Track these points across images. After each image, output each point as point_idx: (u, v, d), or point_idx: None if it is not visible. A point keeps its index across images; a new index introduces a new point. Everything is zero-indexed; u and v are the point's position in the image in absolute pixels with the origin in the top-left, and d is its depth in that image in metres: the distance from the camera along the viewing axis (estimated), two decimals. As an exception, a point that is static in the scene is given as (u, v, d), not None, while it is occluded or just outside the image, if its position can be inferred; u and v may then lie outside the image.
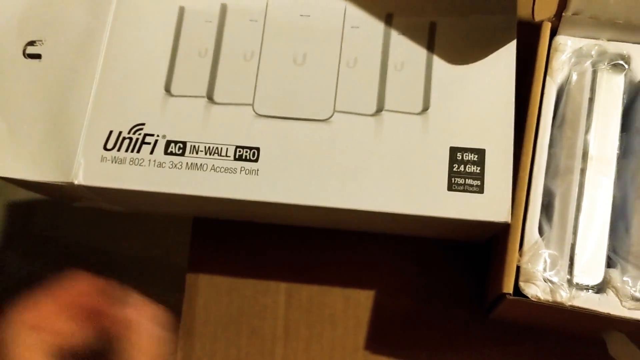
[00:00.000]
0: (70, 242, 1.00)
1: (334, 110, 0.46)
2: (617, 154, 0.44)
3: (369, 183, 0.44)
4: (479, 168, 0.43)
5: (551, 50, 0.46)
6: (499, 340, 0.48)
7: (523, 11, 0.47)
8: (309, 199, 0.44)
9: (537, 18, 0.46)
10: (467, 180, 0.43)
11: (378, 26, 0.47)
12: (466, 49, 0.46)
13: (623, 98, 0.45)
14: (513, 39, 0.46)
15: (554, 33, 0.46)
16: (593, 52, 0.45)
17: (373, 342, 0.48)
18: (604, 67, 0.45)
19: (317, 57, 0.47)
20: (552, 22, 0.46)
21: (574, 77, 0.45)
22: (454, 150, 0.44)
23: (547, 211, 0.43)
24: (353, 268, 0.50)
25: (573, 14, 0.45)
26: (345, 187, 0.44)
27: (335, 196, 0.44)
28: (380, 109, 0.45)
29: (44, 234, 1.02)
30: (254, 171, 0.44)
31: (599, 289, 0.41)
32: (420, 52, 0.47)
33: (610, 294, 0.40)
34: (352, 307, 0.49)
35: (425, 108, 0.45)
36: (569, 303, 0.40)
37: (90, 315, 0.36)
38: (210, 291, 0.50)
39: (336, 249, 0.50)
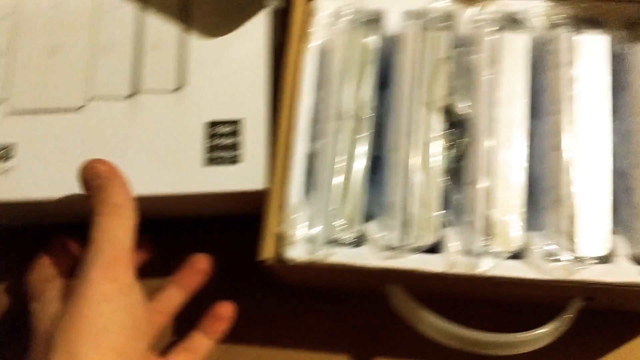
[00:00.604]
0: None
1: (89, 98, 0.45)
2: (373, 110, 0.44)
3: (125, 168, 0.42)
4: (234, 139, 0.43)
5: (308, 15, 0.47)
6: (297, 309, 0.49)
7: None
8: (65, 191, 0.43)
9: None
10: (223, 152, 0.43)
11: (130, 8, 0.47)
12: (219, 23, 0.47)
13: (377, 55, 0.45)
14: (263, 9, 0.47)
15: None
16: (348, 13, 0.46)
17: (182, 321, 0.47)
18: (358, 26, 0.45)
19: (70, 46, 0.46)
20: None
21: (329, 39, 0.45)
22: (209, 125, 0.44)
23: (312, 174, 0.43)
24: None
25: (324, -23, 0.46)
26: None
27: None
28: (135, 91, 0.45)
29: None
30: (8, 170, 0.43)
31: (358, 243, 0.41)
32: (174, 30, 0.47)
33: (368, 247, 0.41)
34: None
35: (180, 85, 0.45)
36: (326, 260, 0.40)
37: None
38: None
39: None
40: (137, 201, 0.41)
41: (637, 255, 0.39)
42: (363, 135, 0.43)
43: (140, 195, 0.42)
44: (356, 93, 0.44)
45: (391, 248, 0.41)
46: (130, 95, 0.45)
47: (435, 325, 0.41)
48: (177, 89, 0.45)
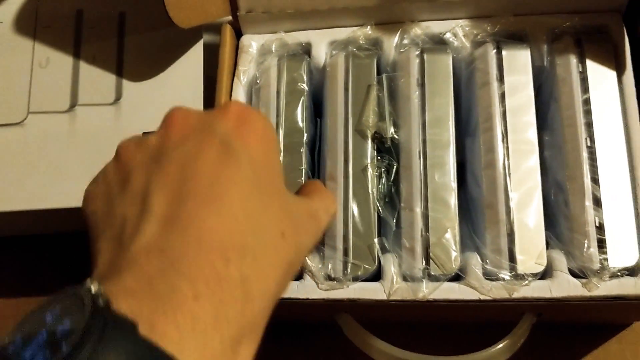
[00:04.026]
0: None
1: (28, 112, 0.46)
2: (309, 142, 0.44)
3: (66, 180, 0.44)
4: None
5: (239, 52, 0.46)
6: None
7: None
8: (7, 204, 0.44)
9: (210, 20, 0.46)
10: None
11: (69, 23, 0.49)
12: (157, 42, 0.48)
13: (309, 87, 0.45)
14: (200, 39, 0.49)
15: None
16: (274, 47, 0.46)
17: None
18: (287, 59, 0.45)
19: (9, 61, 0.48)
20: (233, 23, 0.46)
21: (258, 75, 0.45)
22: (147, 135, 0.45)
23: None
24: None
25: (247, 12, 0.46)
26: (44, 187, 0.44)
27: (35, 198, 0.44)
28: (74, 104, 0.46)
29: None
30: None
31: (300, 275, 0.41)
32: (112, 44, 0.48)
33: (307, 279, 0.40)
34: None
35: (118, 97, 0.46)
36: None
37: None
38: None
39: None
40: (73, 214, 0.42)
41: (576, 268, 0.38)
42: (300, 168, 0.43)
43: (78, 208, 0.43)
44: (290, 126, 0.44)
45: (332, 278, 0.40)
46: (69, 109, 0.47)
47: (387, 352, 0.41)
48: (114, 102, 0.46)
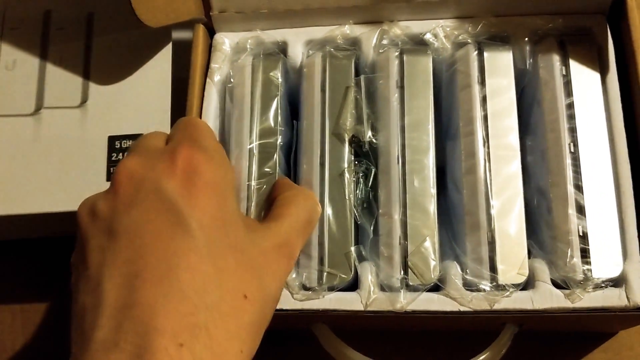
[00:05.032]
0: None
1: None
2: (284, 144, 0.42)
3: (30, 185, 0.43)
4: None
5: (212, 49, 0.45)
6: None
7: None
8: None
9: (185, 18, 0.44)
10: None
11: (37, 24, 0.48)
12: (125, 44, 0.47)
13: (284, 87, 0.43)
14: (169, 42, 0.47)
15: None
16: (249, 45, 0.44)
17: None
18: (261, 59, 0.44)
19: None
20: (207, 23, 0.45)
21: (232, 73, 0.44)
22: (112, 139, 0.44)
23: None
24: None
25: (220, 12, 0.44)
26: (8, 192, 0.43)
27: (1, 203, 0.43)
28: (39, 107, 0.45)
29: None
30: None
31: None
32: (80, 45, 0.47)
33: (284, 288, 0.39)
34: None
35: (84, 100, 0.45)
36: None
37: None
38: None
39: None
40: (41, 219, 0.42)
41: (559, 278, 0.37)
42: (273, 172, 0.41)
43: (45, 213, 0.42)
44: (264, 128, 0.42)
45: (307, 288, 0.39)
46: (34, 112, 0.45)
47: (363, 364, 0.39)
48: (80, 104, 0.45)
